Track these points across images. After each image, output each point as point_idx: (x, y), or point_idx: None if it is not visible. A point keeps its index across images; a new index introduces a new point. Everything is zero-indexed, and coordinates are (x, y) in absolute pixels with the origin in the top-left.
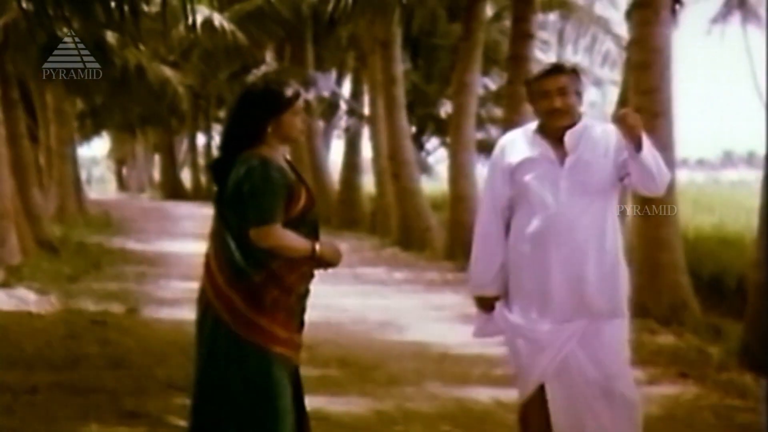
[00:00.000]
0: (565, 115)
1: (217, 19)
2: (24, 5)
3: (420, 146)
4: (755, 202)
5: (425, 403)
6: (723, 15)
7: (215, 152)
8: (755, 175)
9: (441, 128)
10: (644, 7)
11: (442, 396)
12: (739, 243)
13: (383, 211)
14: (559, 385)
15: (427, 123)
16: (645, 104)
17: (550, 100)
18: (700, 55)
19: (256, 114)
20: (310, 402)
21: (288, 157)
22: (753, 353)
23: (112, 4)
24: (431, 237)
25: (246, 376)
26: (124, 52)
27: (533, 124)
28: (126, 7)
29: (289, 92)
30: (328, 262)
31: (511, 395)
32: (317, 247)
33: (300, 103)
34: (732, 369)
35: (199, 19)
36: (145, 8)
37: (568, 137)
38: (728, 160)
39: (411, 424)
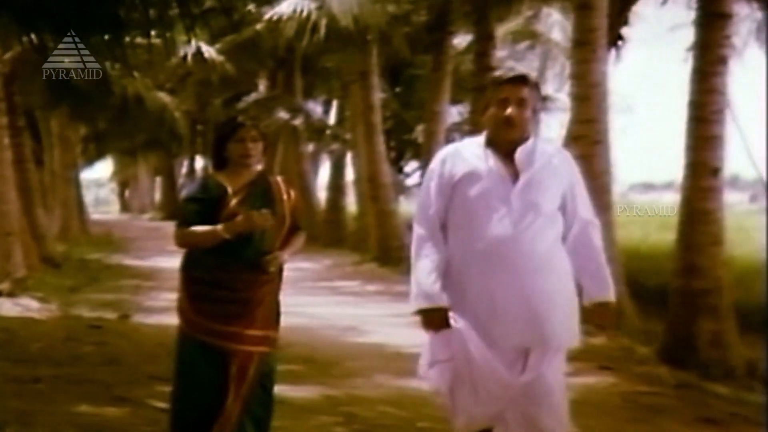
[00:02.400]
0: (517, 128)
1: (207, 51)
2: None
3: (399, 169)
4: (732, 222)
5: (371, 391)
6: None
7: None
8: (738, 197)
9: (419, 152)
10: (582, 45)
11: (386, 385)
12: None
13: (364, 230)
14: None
15: (406, 148)
16: (585, 132)
17: (506, 109)
18: (681, 84)
19: (213, 143)
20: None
21: (277, 176)
22: (669, 348)
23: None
24: (406, 254)
25: (178, 357)
26: (123, 81)
27: (479, 137)
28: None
29: (230, 124)
30: (242, 230)
31: None
32: (219, 227)
33: (243, 132)
34: (651, 364)
35: (190, 52)
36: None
37: (520, 154)
38: None
39: (354, 406)
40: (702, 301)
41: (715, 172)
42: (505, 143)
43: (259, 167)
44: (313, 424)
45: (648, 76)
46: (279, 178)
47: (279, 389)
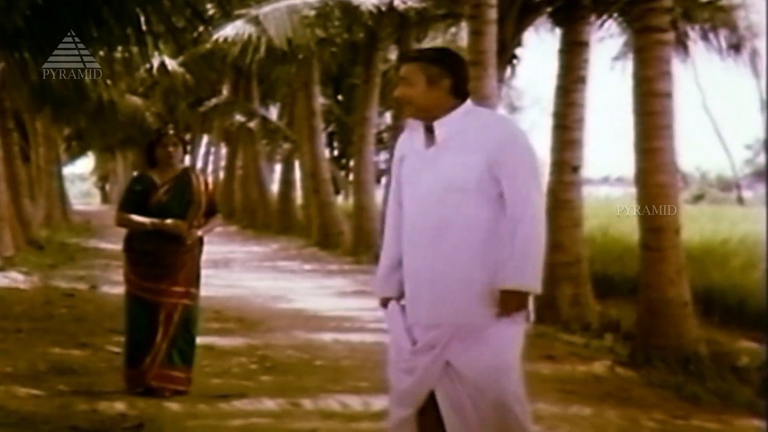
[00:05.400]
0: (407, 106)
1: (170, 64)
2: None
3: (342, 167)
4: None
5: (285, 341)
6: (623, 53)
7: None
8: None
9: None
10: (476, 65)
11: (299, 337)
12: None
13: (308, 219)
14: (442, 391)
15: (347, 148)
16: None
17: (398, 89)
18: (612, 87)
19: (145, 149)
20: (207, 340)
21: (199, 175)
22: (538, 309)
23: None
24: (343, 239)
25: (125, 308)
26: (98, 88)
27: None
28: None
29: (156, 134)
30: (169, 232)
31: (347, 338)
32: (147, 221)
33: (166, 139)
34: None
35: (156, 64)
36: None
37: (436, 128)
38: None
39: (268, 350)
40: (564, 271)
41: (575, 169)
42: (424, 120)
43: (183, 165)
44: (234, 363)
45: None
46: (200, 175)
47: (211, 340)
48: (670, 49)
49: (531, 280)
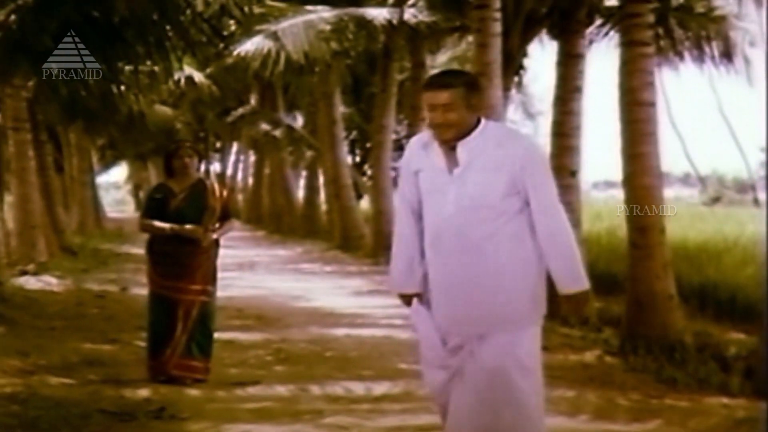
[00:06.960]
0: (448, 130)
1: (197, 76)
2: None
3: (363, 173)
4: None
5: (300, 335)
6: None
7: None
8: (689, 192)
9: None
10: (481, 76)
11: (313, 332)
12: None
13: (332, 223)
14: (456, 395)
15: (368, 154)
16: None
17: (434, 114)
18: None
19: (163, 160)
20: (228, 335)
21: (213, 183)
22: None
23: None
24: (364, 242)
25: (148, 305)
26: (127, 100)
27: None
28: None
29: (172, 146)
30: (186, 235)
31: (358, 332)
32: (167, 226)
33: (182, 151)
34: None
35: (183, 77)
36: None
37: (459, 149)
38: (666, 180)
39: (283, 344)
40: None
41: (573, 173)
42: (445, 141)
43: (198, 175)
44: (251, 355)
45: (605, 84)
46: (215, 183)
47: (231, 335)
48: (653, 62)
49: (579, 280)
